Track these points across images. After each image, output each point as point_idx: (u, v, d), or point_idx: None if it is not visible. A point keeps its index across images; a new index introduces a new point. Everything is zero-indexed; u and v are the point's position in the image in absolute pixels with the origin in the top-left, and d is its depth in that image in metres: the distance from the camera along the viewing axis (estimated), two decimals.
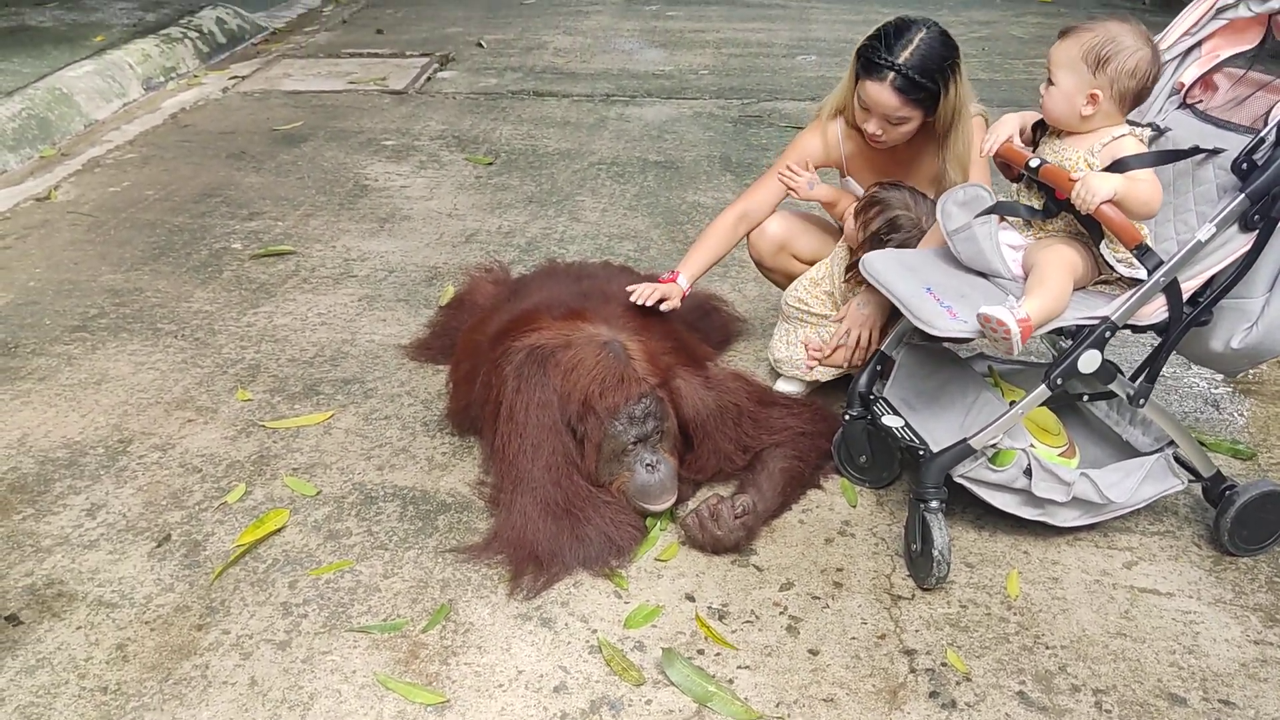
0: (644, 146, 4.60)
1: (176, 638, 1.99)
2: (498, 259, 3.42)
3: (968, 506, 2.25)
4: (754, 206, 2.71)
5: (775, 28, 6.60)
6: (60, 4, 6.07)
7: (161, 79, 5.42)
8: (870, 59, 2.40)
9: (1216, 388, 2.77)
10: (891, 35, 2.39)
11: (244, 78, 5.58)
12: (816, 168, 2.66)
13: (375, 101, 5.22)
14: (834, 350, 2.58)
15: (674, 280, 2.58)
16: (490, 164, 4.39)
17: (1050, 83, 1.99)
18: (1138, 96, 1.97)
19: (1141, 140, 1.97)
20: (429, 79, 5.59)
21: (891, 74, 2.36)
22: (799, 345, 2.72)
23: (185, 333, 3.09)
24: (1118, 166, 1.93)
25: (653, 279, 3.07)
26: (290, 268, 3.48)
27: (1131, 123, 2.02)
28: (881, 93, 2.39)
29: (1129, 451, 2.23)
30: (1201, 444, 2.45)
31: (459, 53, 6.04)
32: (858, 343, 2.53)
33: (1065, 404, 2.34)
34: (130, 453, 2.54)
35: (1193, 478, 2.17)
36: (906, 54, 2.36)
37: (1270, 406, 2.70)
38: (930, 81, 2.36)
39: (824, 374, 2.69)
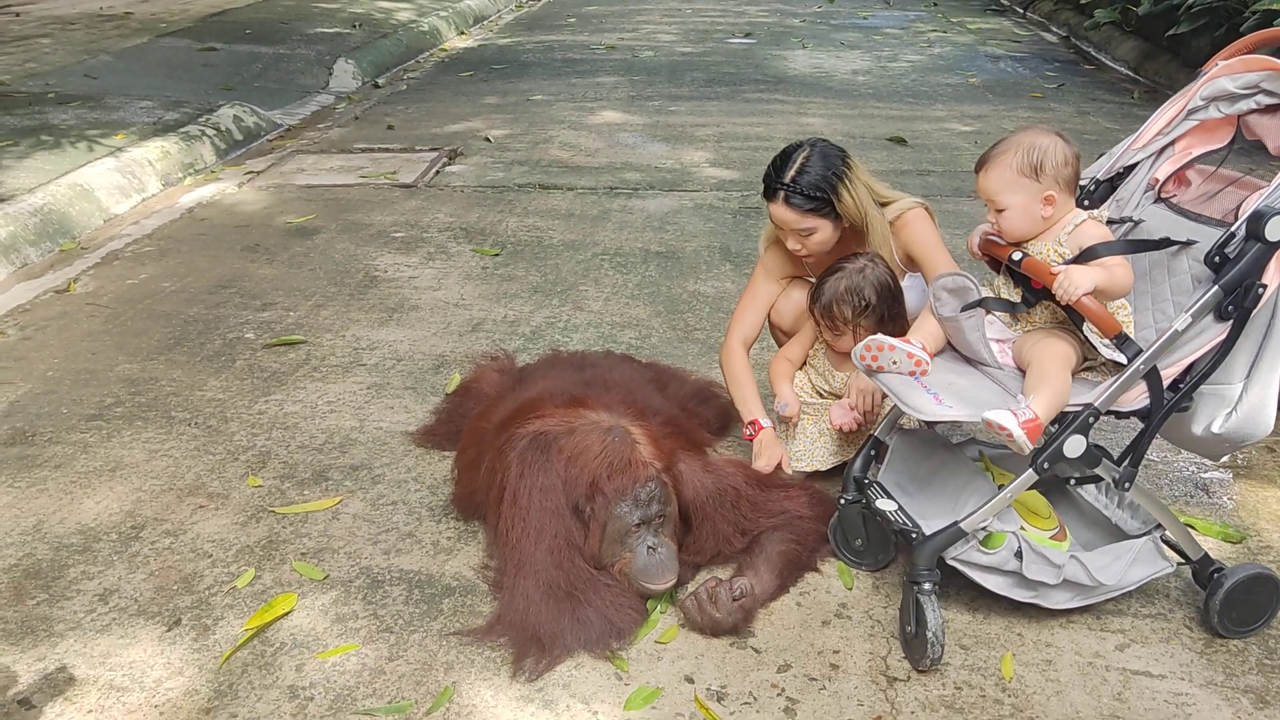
0: (646, 237, 4.74)
1: None
2: (503, 348, 3.51)
3: (962, 589, 2.29)
4: (749, 330, 2.88)
5: (773, 122, 6.83)
6: (83, 104, 6.31)
7: (180, 175, 5.61)
8: (766, 184, 2.66)
9: (1206, 472, 2.83)
10: (780, 160, 2.64)
11: (259, 173, 5.77)
12: (789, 278, 2.85)
13: (385, 195, 5.39)
14: (853, 411, 2.63)
15: (761, 429, 2.69)
16: (497, 255, 4.53)
17: (998, 211, 2.12)
18: (1076, 178, 2.11)
19: (1099, 220, 2.09)
20: (438, 173, 5.78)
21: (782, 192, 2.59)
22: (797, 440, 2.79)
23: (198, 420, 3.17)
24: (1088, 254, 2.04)
25: (655, 366, 3.18)
26: (301, 357, 3.58)
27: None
28: (779, 210, 2.63)
29: (1118, 535, 2.28)
30: (1191, 527, 2.51)
31: (467, 147, 6.24)
32: (869, 405, 2.60)
33: (1056, 489, 2.40)
34: (143, 538, 2.60)
35: (1182, 560, 2.21)
36: (792, 173, 2.59)
37: (1259, 490, 2.75)
38: (818, 191, 2.58)
39: (823, 462, 2.76)
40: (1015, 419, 1.92)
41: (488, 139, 6.44)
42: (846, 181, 2.60)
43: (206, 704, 2.07)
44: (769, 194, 2.65)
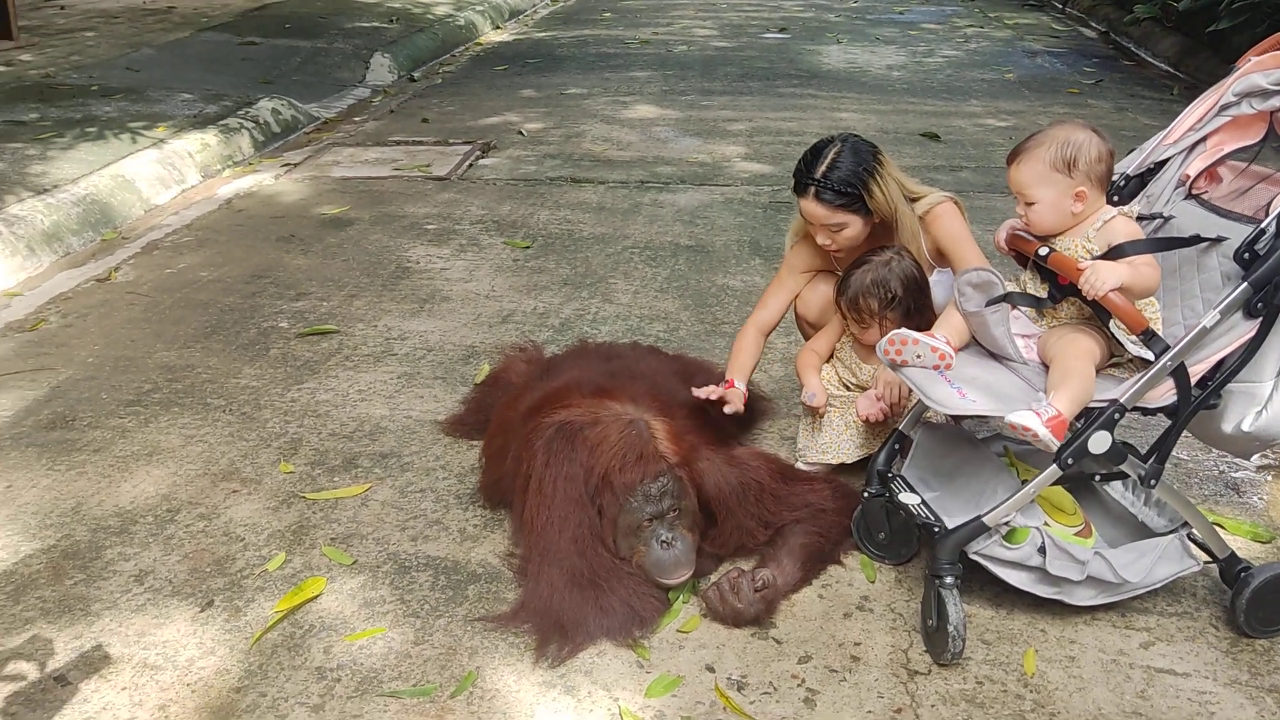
0: (676, 231, 4.76)
1: (216, 699, 2.08)
2: (531, 339, 3.55)
3: (985, 585, 2.29)
4: (767, 317, 2.88)
5: (806, 117, 6.80)
6: (125, 97, 6.42)
7: (219, 166, 5.70)
8: (797, 179, 2.65)
9: (1236, 471, 2.80)
10: (810, 156, 2.63)
11: (296, 165, 5.84)
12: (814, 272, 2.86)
13: (419, 187, 5.45)
14: (880, 401, 2.63)
15: (732, 386, 2.70)
16: (528, 248, 4.56)
17: (1028, 204, 2.10)
18: (1109, 175, 2.09)
19: (1129, 217, 2.07)
20: (471, 166, 5.82)
21: (813, 187, 2.58)
22: (822, 431, 2.79)
23: (233, 408, 3.23)
24: (1117, 252, 2.03)
25: (682, 359, 3.20)
26: (334, 346, 3.63)
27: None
28: (810, 205, 2.62)
29: (1145, 532, 2.27)
30: (1220, 526, 2.49)
31: (500, 141, 6.29)
32: (896, 397, 2.59)
33: (1083, 485, 2.39)
34: (178, 521, 2.66)
35: (1208, 559, 2.20)
36: (823, 168, 2.58)
37: None
38: (849, 187, 2.57)
39: (848, 455, 2.76)
40: (1039, 418, 1.92)
41: (521, 132, 6.48)
42: (877, 177, 2.59)
43: (237, 683, 2.12)
44: (800, 189, 2.65)
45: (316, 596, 2.37)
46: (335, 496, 2.76)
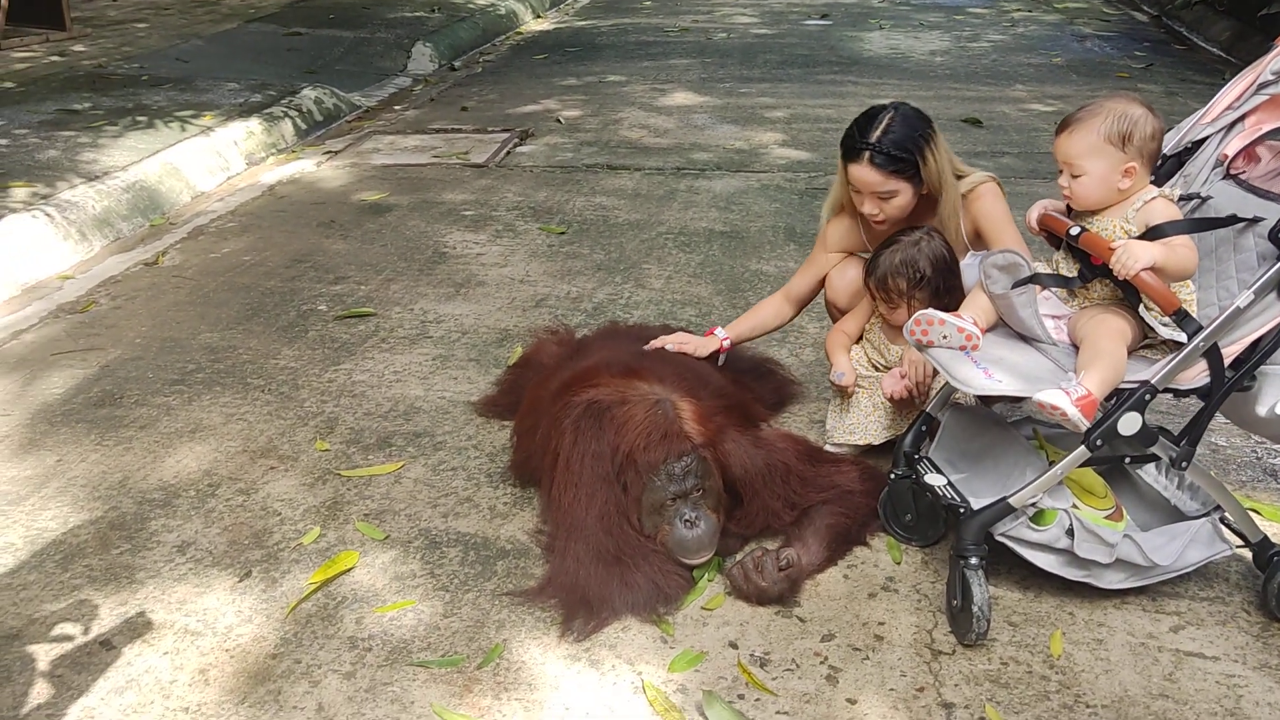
0: (711, 217, 4.76)
1: (253, 665, 2.14)
2: (564, 323, 3.58)
3: (1014, 568, 2.28)
4: (796, 289, 2.91)
5: (845, 103, 6.75)
6: (174, 86, 6.56)
7: (263, 154, 5.81)
8: (849, 145, 2.60)
9: (1275, 456, 2.75)
10: (864, 121, 2.59)
11: (337, 152, 5.93)
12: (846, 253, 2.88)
13: (457, 174, 5.50)
14: (905, 379, 2.62)
15: (711, 333, 2.72)
16: (563, 233, 4.59)
17: (1075, 176, 2.07)
18: (1158, 153, 2.05)
19: (1170, 199, 2.04)
20: (508, 153, 5.87)
21: (868, 153, 2.54)
22: (851, 412, 2.80)
23: (272, 387, 3.30)
24: (1154, 233, 2.00)
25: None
26: (370, 328, 3.69)
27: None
28: (862, 171, 2.57)
29: (1177, 516, 2.24)
30: (1255, 512, 2.45)
31: (538, 128, 6.32)
32: (921, 375, 2.59)
33: (1116, 470, 2.37)
34: (218, 496, 2.73)
35: (1241, 543, 2.17)
36: (878, 133, 2.54)
37: None
38: (905, 153, 2.53)
39: (875, 436, 2.76)
40: (1068, 397, 1.91)
41: (559, 120, 6.52)
42: (932, 144, 2.56)
43: (273, 650, 2.18)
44: (851, 154, 2.58)
45: (350, 569, 2.42)
46: (369, 474, 2.81)
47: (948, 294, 2.54)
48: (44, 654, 2.18)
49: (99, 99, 6.20)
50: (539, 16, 10.44)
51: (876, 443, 2.73)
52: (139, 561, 2.48)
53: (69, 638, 2.23)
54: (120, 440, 3.01)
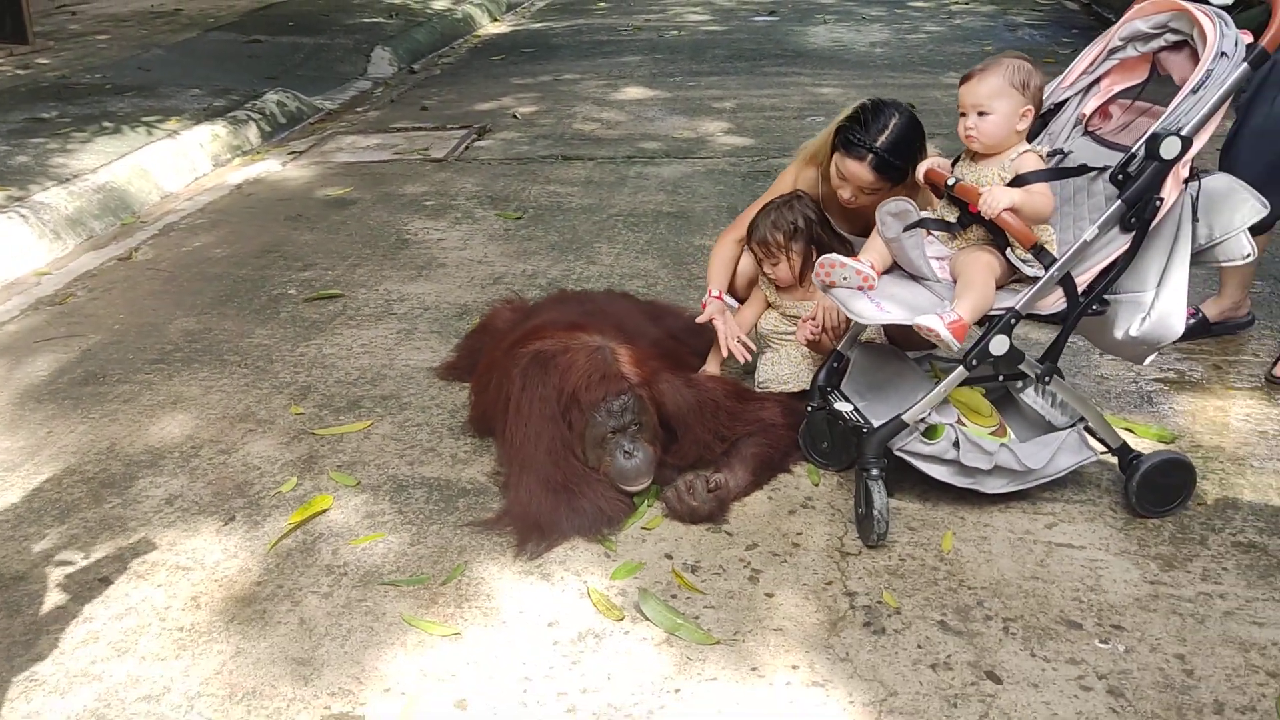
0: (659, 200, 5.05)
1: (240, 591, 2.40)
2: (518, 294, 3.85)
3: (916, 483, 2.58)
4: (744, 232, 3.12)
5: (788, 93, 7.08)
6: (138, 94, 6.76)
7: (229, 155, 6.03)
8: (850, 139, 2.68)
9: (1150, 385, 3.08)
10: (870, 119, 2.67)
11: (301, 152, 6.17)
12: None
13: (418, 169, 5.76)
14: (813, 322, 2.85)
15: (718, 299, 2.97)
16: (519, 218, 4.86)
17: (981, 115, 2.35)
18: (1040, 106, 2.37)
19: (1040, 155, 2.35)
20: (467, 148, 6.13)
21: (870, 155, 2.64)
22: (779, 364, 3.09)
23: (248, 362, 3.55)
24: (1019, 181, 2.31)
25: (653, 303, 3.49)
26: (338, 308, 3.95)
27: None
28: (859, 170, 2.68)
29: (1051, 430, 2.55)
30: (1131, 430, 2.77)
31: (495, 124, 6.59)
32: (829, 320, 2.82)
33: (1003, 394, 2.68)
34: (201, 455, 2.98)
35: (1105, 450, 2.48)
36: (883, 138, 2.64)
37: (1198, 400, 3.01)
38: (902, 161, 2.67)
39: (805, 383, 3.05)
40: (941, 321, 2.21)
41: (515, 116, 6.78)
42: (923, 153, 2.69)
43: (258, 579, 2.44)
44: (851, 150, 2.65)
45: (325, 511, 2.69)
46: (341, 431, 3.07)
47: (821, 247, 2.82)
48: (48, 590, 2.43)
49: (66, 108, 6.39)
50: (496, 20, 10.70)
51: (808, 389, 3.02)
52: (130, 513, 2.72)
53: (70, 577, 2.47)
54: (106, 413, 3.25)
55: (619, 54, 8.68)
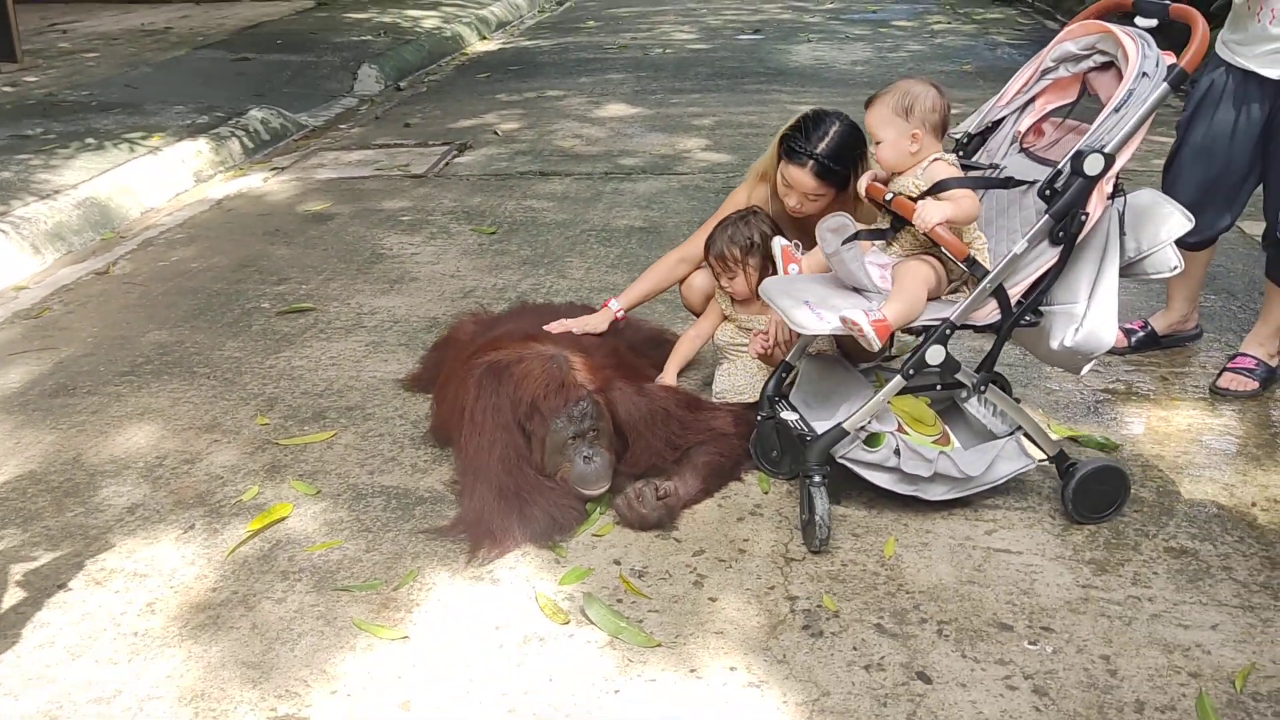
0: (633, 215, 5.12)
1: (195, 597, 2.44)
2: (485, 307, 3.91)
3: (862, 491, 2.64)
4: (693, 251, 3.19)
5: (767, 111, 7.17)
6: (123, 111, 6.84)
7: (211, 171, 6.10)
8: (792, 147, 2.81)
9: (1096, 397, 3.15)
10: (811, 127, 2.80)
11: (284, 168, 6.24)
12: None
13: (397, 184, 5.83)
14: (765, 336, 2.95)
15: (605, 306, 3.04)
16: (493, 233, 4.93)
17: (876, 143, 2.46)
18: (944, 125, 2.44)
19: (949, 161, 2.43)
20: (447, 164, 6.21)
21: (811, 162, 2.77)
22: (735, 375, 3.15)
23: (217, 374, 3.60)
24: (939, 187, 2.38)
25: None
26: (310, 321, 4.01)
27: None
28: (802, 176, 2.80)
29: (992, 438, 2.61)
30: (1075, 440, 2.83)
31: (476, 140, 6.67)
32: (780, 335, 2.91)
33: (949, 404, 2.74)
34: (165, 465, 3.03)
35: (1043, 458, 2.54)
36: (823, 144, 2.76)
37: (1142, 410, 3.09)
38: (842, 167, 2.79)
39: (756, 394, 3.11)
40: (866, 317, 2.28)
41: (496, 133, 6.86)
42: (864, 161, 2.81)
43: (213, 585, 2.49)
44: (793, 157, 2.78)
45: (284, 518, 2.73)
46: (304, 442, 3.12)
47: (774, 262, 2.89)
48: (7, 596, 2.47)
49: (50, 125, 6.46)
50: (484, 38, 10.81)
51: (753, 400, 3.09)
52: (91, 521, 2.77)
53: (29, 583, 2.52)
54: (74, 424, 3.30)
55: (604, 71, 8.78)
